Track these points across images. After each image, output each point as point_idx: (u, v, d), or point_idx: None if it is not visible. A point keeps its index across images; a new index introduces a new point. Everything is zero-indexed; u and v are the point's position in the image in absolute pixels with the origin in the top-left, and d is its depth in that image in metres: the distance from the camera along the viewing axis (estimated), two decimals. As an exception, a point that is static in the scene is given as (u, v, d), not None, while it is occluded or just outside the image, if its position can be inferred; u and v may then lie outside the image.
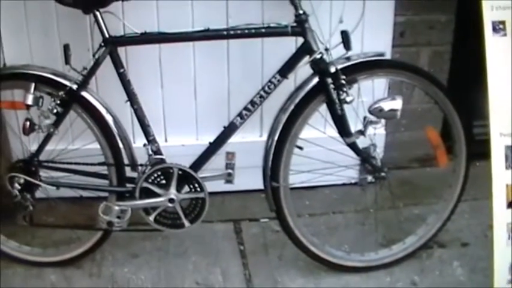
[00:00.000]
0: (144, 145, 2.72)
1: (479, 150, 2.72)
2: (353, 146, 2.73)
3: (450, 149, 2.90)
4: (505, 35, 2.51)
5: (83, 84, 2.63)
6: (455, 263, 2.99)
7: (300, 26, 2.58)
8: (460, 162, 2.90)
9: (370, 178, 2.82)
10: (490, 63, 2.50)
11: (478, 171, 2.87)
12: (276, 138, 2.69)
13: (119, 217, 2.69)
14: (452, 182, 2.94)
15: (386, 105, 2.65)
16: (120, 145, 2.74)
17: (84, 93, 2.66)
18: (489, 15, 2.51)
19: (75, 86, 2.62)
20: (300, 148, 2.73)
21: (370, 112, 2.65)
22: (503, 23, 2.51)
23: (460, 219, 3.18)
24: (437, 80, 2.86)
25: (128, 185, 2.77)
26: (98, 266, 2.96)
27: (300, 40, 2.62)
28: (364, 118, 2.70)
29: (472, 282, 2.87)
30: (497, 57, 2.51)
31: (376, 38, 3.24)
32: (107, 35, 2.59)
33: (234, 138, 2.73)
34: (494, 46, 2.51)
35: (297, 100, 2.66)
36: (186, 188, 2.73)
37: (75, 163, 2.74)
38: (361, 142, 2.75)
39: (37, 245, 2.98)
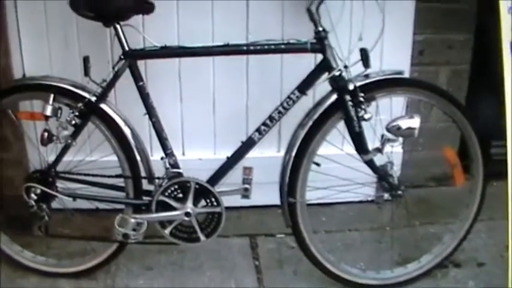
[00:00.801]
0: (162, 158, 2.73)
1: (497, 170, 2.70)
2: (370, 164, 2.72)
3: (467, 169, 2.88)
4: (523, 54, 2.51)
5: (102, 96, 2.65)
6: (470, 283, 2.97)
7: (320, 43, 2.59)
8: (477, 181, 2.89)
9: (386, 196, 2.79)
10: (507, 83, 2.50)
11: (495, 191, 2.85)
12: (293, 154, 2.69)
13: (134, 230, 2.70)
14: (469, 201, 2.93)
15: (404, 124, 2.64)
16: (138, 158, 2.74)
17: (102, 106, 2.67)
18: (507, 35, 2.50)
19: (94, 98, 2.63)
20: (318, 164, 2.73)
21: (388, 130, 2.64)
22: (521, 43, 2.51)
23: (476, 238, 3.16)
24: (456, 99, 2.84)
25: (144, 197, 2.77)
26: (112, 278, 2.96)
27: (319, 57, 2.62)
28: (382, 136, 2.69)
29: (487, 302, 2.85)
30: (514, 76, 2.51)
31: (395, 56, 3.24)
32: (126, 48, 2.60)
33: (252, 154, 2.73)
34: (512, 67, 2.50)
35: (315, 116, 2.66)
36: (203, 202, 2.73)
37: (92, 175, 2.75)
38: (378, 160, 2.74)
39: (52, 256, 2.98)
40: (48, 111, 2.63)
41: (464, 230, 2.95)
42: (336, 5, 2.72)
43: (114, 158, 2.77)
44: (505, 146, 2.53)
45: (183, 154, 3.35)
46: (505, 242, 2.59)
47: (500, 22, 2.49)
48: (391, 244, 3.07)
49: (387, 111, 2.75)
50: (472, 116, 2.80)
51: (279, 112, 2.65)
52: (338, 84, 2.60)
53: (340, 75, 2.59)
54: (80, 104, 2.63)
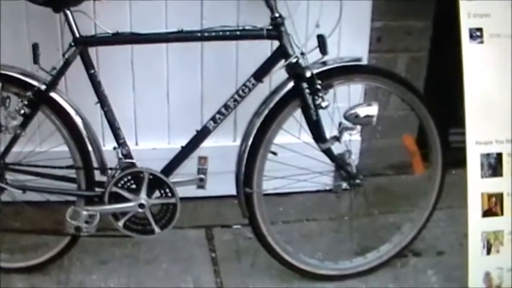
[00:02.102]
0: (114, 148, 2.67)
1: (456, 158, 2.71)
2: (328, 152, 2.70)
3: (426, 157, 2.88)
4: (481, 42, 2.53)
5: (52, 84, 2.57)
6: (430, 272, 2.97)
7: (276, 29, 2.55)
8: (436, 170, 2.88)
9: (345, 185, 2.79)
10: (466, 71, 2.51)
11: (454, 179, 2.88)
12: (249, 143, 2.66)
13: (87, 222, 2.64)
14: (428, 189, 2.92)
15: (362, 111, 2.63)
16: (90, 148, 2.68)
17: (52, 94, 2.60)
18: (466, 22, 2.52)
19: (43, 87, 2.56)
20: (274, 154, 2.70)
21: (346, 118, 2.63)
22: (480, 30, 2.53)
23: (435, 227, 3.16)
24: (414, 86, 2.84)
25: (97, 189, 2.71)
26: (66, 273, 2.89)
27: (276, 43, 2.59)
28: (340, 124, 2.67)
29: (447, 291, 2.86)
30: (473, 64, 2.53)
31: (353, 42, 3.22)
32: (77, 35, 2.53)
33: (207, 143, 2.69)
34: (471, 53, 2.52)
35: (271, 104, 2.63)
36: (157, 193, 2.67)
37: (43, 166, 2.67)
38: (336, 148, 2.71)
39: (3, 251, 2.90)
40: (-4, 101, 2.56)
41: (423, 219, 2.95)
42: (293, -10, 2.67)
43: (65, 148, 2.70)
44: (464, 134, 2.54)
45: (136, 144, 3.29)
46: (464, 230, 2.60)
47: (459, 8, 2.49)
48: (350, 234, 3.06)
49: (345, 98, 2.73)
50: (430, 104, 2.80)
51: (235, 100, 2.61)
52: (295, 71, 2.57)
53: (297, 62, 2.56)
54: (29, 93, 2.55)
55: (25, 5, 2.81)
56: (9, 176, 2.70)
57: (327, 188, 2.94)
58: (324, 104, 2.56)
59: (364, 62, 3.10)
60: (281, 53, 2.57)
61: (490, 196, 2.59)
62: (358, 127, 2.76)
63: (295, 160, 2.73)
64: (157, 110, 3.26)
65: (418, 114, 2.80)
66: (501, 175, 2.59)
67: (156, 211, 2.69)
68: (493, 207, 2.60)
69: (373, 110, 2.63)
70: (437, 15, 3.41)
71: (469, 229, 2.59)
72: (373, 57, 3.37)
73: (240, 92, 2.60)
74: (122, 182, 2.65)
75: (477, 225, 2.59)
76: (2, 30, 2.99)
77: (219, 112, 2.62)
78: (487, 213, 2.60)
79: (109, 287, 2.84)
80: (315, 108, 2.58)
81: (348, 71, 2.68)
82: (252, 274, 2.94)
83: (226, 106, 2.62)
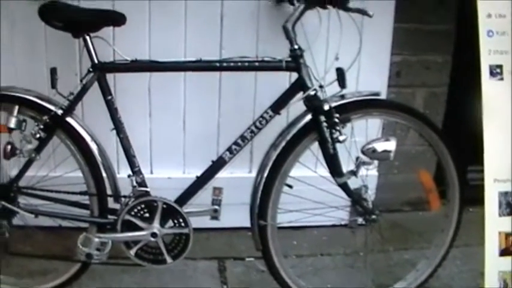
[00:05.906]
0: (129, 176, 2.65)
1: (473, 195, 2.68)
2: (344, 187, 2.67)
3: (443, 194, 2.85)
4: (501, 79, 2.52)
5: (69, 109, 2.56)
6: (444, 311, 2.92)
7: (295, 61, 2.54)
8: (453, 207, 2.85)
9: (360, 220, 2.75)
10: (486, 107, 2.49)
11: (471, 217, 2.83)
12: (265, 175, 2.64)
13: (98, 249, 2.61)
14: (444, 227, 2.89)
15: (380, 146, 2.60)
16: (104, 175, 2.67)
17: (69, 119, 2.59)
18: (486, 59, 2.50)
19: (60, 111, 2.55)
20: (290, 186, 2.68)
21: (363, 152, 2.60)
22: (500, 67, 2.51)
23: (451, 265, 3.13)
24: (432, 122, 2.82)
25: (109, 216, 2.68)
26: (74, 299, 2.87)
27: (294, 75, 2.58)
28: (357, 158, 2.65)
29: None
30: (493, 101, 2.50)
31: (371, 76, 3.21)
32: (96, 61, 2.53)
33: (222, 174, 2.66)
34: (490, 90, 2.51)
35: (288, 137, 2.62)
36: (170, 223, 2.65)
37: (56, 191, 2.65)
38: (353, 183, 2.69)
39: (12, 275, 2.87)
40: (12, 124, 2.55)
41: (439, 257, 2.91)
42: (313, 23, 2.67)
43: (79, 174, 2.68)
44: (482, 171, 2.51)
45: (151, 172, 3.29)
46: (480, 269, 2.56)
47: (479, 45, 2.48)
48: (364, 270, 3.02)
49: (363, 133, 2.71)
50: (448, 140, 2.77)
51: (252, 131, 2.59)
52: (313, 104, 2.55)
53: (315, 95, 2.54)
54: (45, 117, 2.55)
55: (44, 28, 2.81)
56: (21, 200, 2.69)
57: (342, 222, 2.92)
58: (341, 138, 2.55)
59: (383, 96, 3.08)
60: (299, 85, 2.56)
61: (507, 235, 2.56)
62: (376, 162, 2.73)
63: (310, 193, 2.70)
64: (173, 138, 3.25)
65: (436, 150, 2.78)
66: (519, 214, 2.56)
67: (168, 241, 2.66)
68: (510, 246, 2.56)
69: (390, 145, 2.60)
70: (457, 50, 3.40)
71: (485, 268, 2.55)
72: (391, 92, 3.36)
73: (257, 124, 2.58)
74: (135, 210, 2.63)
75: (494, 264, 2.56)
76: (21, 54, 3.01)
77: (235, 143, 2.61)
78: (504, 252, 2.56)
79: (117, 315, 2.82)
80: (332, 141, 2.56)
81: (366, 105, 2.66)
82: (264, 307, 2.91)
83: (242, 137, 2.60)
